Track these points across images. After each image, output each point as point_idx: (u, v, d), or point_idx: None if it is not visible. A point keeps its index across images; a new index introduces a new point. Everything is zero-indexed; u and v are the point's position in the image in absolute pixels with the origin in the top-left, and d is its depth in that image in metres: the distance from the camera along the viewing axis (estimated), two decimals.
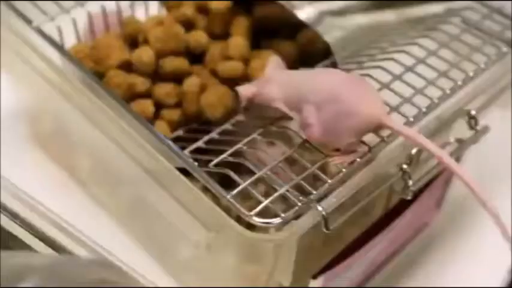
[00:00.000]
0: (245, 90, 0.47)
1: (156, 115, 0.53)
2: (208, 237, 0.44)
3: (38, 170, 0.64)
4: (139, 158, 0.47)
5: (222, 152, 0.45)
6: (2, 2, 0.52)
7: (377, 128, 0.42)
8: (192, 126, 0.53)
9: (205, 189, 0.43)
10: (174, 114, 0.53)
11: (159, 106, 0.54)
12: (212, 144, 0.48)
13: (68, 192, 0.63)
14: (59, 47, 0.50)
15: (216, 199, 0.42)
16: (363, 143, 0.43)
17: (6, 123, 0.66)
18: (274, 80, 0.46)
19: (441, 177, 0.48)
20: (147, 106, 0.52)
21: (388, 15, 0.64)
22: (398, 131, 0.42)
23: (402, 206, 0.51)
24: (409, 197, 0.44)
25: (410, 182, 0.44)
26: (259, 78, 0.48)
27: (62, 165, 0.65)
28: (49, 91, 0.51)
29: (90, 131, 0.50)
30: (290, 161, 0.44)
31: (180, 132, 0.53)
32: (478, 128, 0.47)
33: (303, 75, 0.46)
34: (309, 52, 0.58)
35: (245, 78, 0.56)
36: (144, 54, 0.52)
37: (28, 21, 0.51)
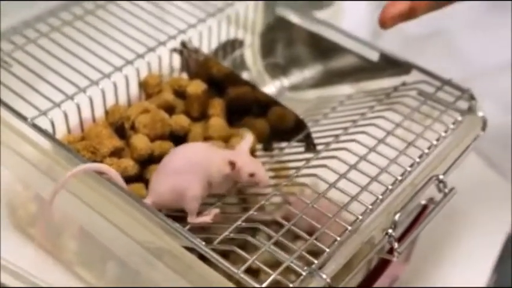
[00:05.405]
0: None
1: None
2: None
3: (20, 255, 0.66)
4: (140, 238, 0.49)
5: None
6: None
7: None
8: None
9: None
10: None
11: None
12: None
13: (54, 274, 0.65)
14: (55, 140, 0.53)
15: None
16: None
17: None
18: None
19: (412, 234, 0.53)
20: (140, 189, 0.56)
21: (345, 89, 0.71)
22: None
23: (381, 266, 0.56)
24: (395, 259, 0.49)
25: (396, 245, 0.49)
26: None
27: (45, 248, 0.67)
28: (38, 177, 0.53)
29: (83, 214, 0.52)
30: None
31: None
32: (447, 190, 0.52)
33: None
34: (281, 127, 0.63)
35: None
36: (140, 142, 0.56)
37: (23, 118, 0.54)
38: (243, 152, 0.52)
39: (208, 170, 0.51)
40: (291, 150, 0.60)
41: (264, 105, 0.64)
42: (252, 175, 0.51)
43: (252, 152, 0.61)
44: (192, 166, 0.51)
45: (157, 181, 0.52)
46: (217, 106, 0.63)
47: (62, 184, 0.50)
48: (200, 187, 0.51)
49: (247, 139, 0.53)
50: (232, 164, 0.50)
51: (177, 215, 0.52)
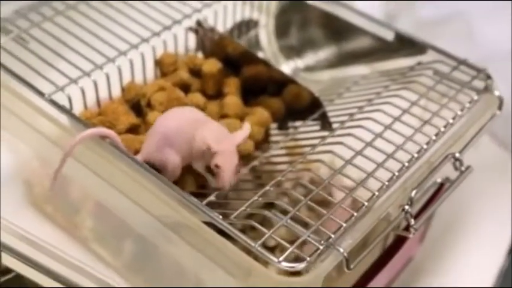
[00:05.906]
0: None
1: None
2: (235, 284, 0.47)
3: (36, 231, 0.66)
4: (158, 213, 0.50)
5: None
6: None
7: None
8: None
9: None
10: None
11: None
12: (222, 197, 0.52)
13: (70, 251, 0.65)
14: (72, 115, 0.54)
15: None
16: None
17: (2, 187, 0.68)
18: None
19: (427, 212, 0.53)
20: None
21: (359, 69, 0.71)
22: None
23: (397, 243, 0.56)
24: (411, 235, 0.49)
25: (413, 221, 0.49)
26: None
27: (61, 225, 0.67)
28: (55, 153, 0.53)
29: (100, 188, 0.52)
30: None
31: None
32: (463, 168, 0.52)
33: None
34: (297, 106, 0.63)
35: None
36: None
37: (41, 94, 0.54)
38: (231, 142, 0.50)
39: (191, 140, 0.51)
40: (307, 129, 0.60)
41: (280, 83, 0.63)
42: (217, 166, 0.50)
43: (266, 132, 0.61)
44: (179, 133, 0.51)
45: (148, 141, 0.53)
46: (232, 84, 0.63)
47: (71, 148, 0.50)
48: (180, 156, 0.52)
49: (243, 131, 0.52)
50: (207, 146, 0.50)
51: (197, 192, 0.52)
